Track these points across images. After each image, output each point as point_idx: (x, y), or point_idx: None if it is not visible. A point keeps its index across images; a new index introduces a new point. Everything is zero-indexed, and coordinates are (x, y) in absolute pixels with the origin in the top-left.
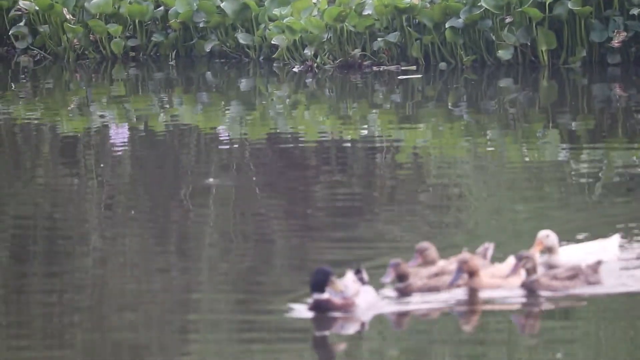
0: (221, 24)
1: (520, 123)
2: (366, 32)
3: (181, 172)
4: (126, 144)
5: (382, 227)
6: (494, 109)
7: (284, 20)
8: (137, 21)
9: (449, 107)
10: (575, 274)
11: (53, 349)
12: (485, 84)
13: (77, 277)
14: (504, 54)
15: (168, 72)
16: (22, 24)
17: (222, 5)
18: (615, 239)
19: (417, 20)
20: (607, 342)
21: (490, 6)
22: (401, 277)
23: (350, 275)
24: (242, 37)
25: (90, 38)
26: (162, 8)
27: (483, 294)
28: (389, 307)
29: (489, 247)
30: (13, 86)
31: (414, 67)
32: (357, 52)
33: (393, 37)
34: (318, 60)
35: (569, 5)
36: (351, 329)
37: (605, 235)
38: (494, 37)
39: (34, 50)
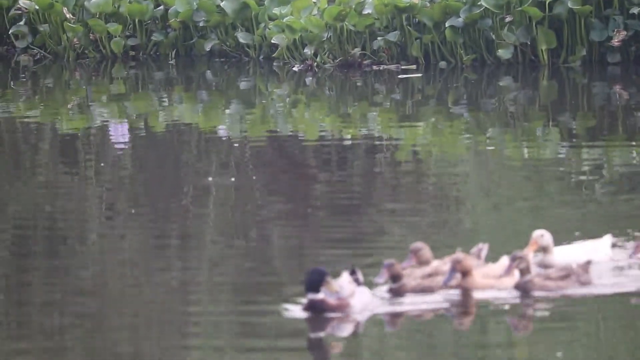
0: (221, 23)
1: (520, 122)
2: (366, 31)
3: (181, 171)
4: (126, 143)
5: (381, 227)
6: (494, 108)
7: (284, 20)
8: (137, 20)
9: (449, 106)
10: (567, 274)
11: (52, 352)
12: (485, 83)
13: (76, 277)
14: (504, 53)
15: (168, 72)
16: (22, 23)
17: (222, 4)
18: (607, 239)
19: (417, 20)
20: (607, 343)
21: (490, 5)
22: (395, 277)
23: (345, 276)
24: (242, 36)
25: (90, 37)
26: (162, 7)
27: (477, 294)
28: (384, 307)
29: (483, 248)
30: (13, 85)
31: (414, 66)
32: (357, 51)
33: (393, 36)
34: (318, 59)
35: (569, 4)
36: (346, 329)
37: (603, 234)
38: (494, 36)
39: (34, 49)
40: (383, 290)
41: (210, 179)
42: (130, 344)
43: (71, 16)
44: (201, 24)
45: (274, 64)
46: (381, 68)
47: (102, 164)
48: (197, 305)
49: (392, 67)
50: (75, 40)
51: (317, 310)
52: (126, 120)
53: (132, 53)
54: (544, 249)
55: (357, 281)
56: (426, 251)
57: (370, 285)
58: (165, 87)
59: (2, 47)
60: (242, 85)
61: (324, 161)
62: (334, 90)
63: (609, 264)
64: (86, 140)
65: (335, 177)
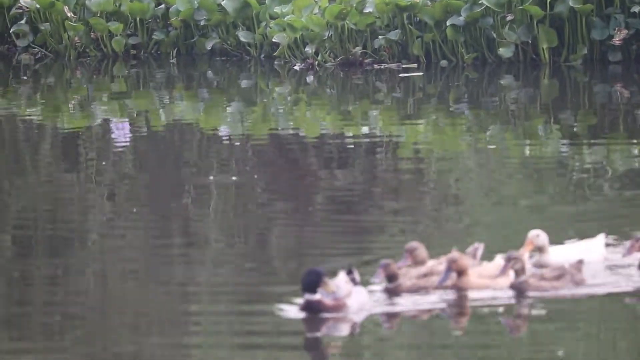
0: (222, 22)
1: (521, 121)
2: (367, 30)
3: (182, 170)
4: (127, 141)
5: (381, 226)
6: (494, 107)
7: (285, 18)
8: (138, 19)
9: (450, 105)
10: (561, 274)
11: (53, 351)
12: (486, 82)
13: (77, 276)
14: (505, 52)
15: (169, 70)
16: (23, 22)
17: (223, 3)
18: (601, 238)
19: (418, 18)
20: (605, 342)
21: (491, 4)
22: (391, 277)
23: (342, 276)
24: (243, 35)
25: (91, 36)
26: (163, 6)
27: (472, 294)
28: (381, 307)
29: (479, 247)
30: (14, 84)
31: (415, 65)
32: (358, 50)
33: (394, 35)
34: (319, 58)
35: (570, 2)
36: (343, 329)
37: (603, 232)
38: (495, 35)
39: (35, 48)
40: (379, 290)
41: (211, 177)
42: (130, 344)
43: (72, 15)
44: (202, 23)
45: (275, 62)
46: (382, 67)
47: (103, 163)
48: (197, 305)
49: (393, 65)
50: (76, 39)
51: (313, 310)
52: (127, 119)
53: (133, 52)
54: (539, 249)
55: (353, 281)
56: (422, 251)
57: (368, 285)
58: (167, 86)
59: (3, 46)
60: (243, 84)
61: (325, 160)
62: (335, 89)
63: (603, 264)
64: (87, 139)
65: (336, 175)
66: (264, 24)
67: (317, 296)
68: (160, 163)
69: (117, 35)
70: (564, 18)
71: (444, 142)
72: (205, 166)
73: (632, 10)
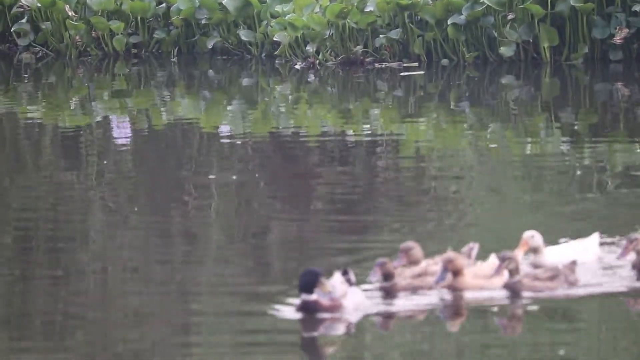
0: (223, 21)
1: (521, 119)
2: (368, 29)
3: (183, 169)
4: (128, 140)
5: (382, 225)
6: (495, 106)
7: (286, 17)
8: (139, 18)
9: (451, 103)
10: (555, 274)
11: (53, 352)
12: (487, 81)
13: (77, 275)
14: (506, 51)
15: (170, 69)
16: (24, 20)
17: (224, 2)
18: (595, 237)
19: (419, 17)
20: (605, 343)
21: (492, 3)
22: (387, 276)
23: (337, 276)
24: (244, 34)
25: (93, 35)
26: (164, 5)
27: (468, 294)
28: (377, 307)
29: (474, 247)
30: (15, 83)
31: (416, 64)
32: (359, 48)
33: (395, 34)
34: (320, 57)
35: (571, 1)
36: (340, 330)
37: (603, 232)
38: (496, 34)
39: (36, 47)
40: (374, 289)
41: (211, 176)
42: (130, 344)
43: (73, 14)
44: (203, 22)
45: (276, 61)
46: (383, 66)
47: (104, 162)
48: (197, 304)
49: (394, 64)
50: (77, 37)
51: (310, 311)
52: (128, 118)
53: (134, 51)
54: (534, 250)
55: (349, 281)
56: (417, 250)
57: (364, 284)
58: (168, 85)
59: (4, 45)
60: (244, 82)
61: (326, 158)
62: (336, 87)
63: (598, 264)
64: (88, 138)
65: (337, 174)
66: (265, 22)
67: (313, 296)
68: (161, 162)
69: (118, 34)
70: (565, 17)
71: (444, 140)
72: (205, 165)
73: (633, 9)
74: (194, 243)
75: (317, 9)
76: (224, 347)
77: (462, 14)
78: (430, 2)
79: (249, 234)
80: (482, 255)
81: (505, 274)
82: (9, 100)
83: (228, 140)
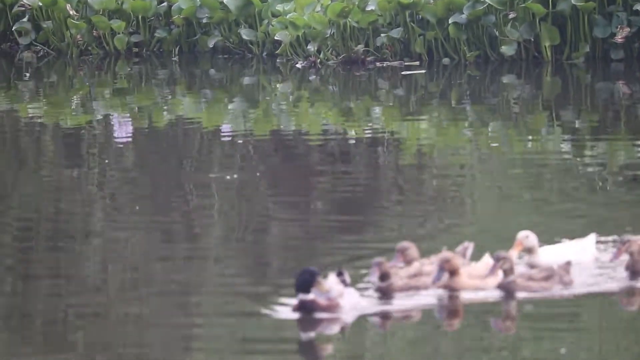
0: (224, 20)
1: (523, 118)
2: (369, 28)
3: (184, 168)
4: (130, 139)
5: (382, 225)
6: (497, 105)
7: (287, 16)
8: (140, 17)
9: (452, 102)
10: (549, 274)
11: (53, 352)
12: (488, 80)
13: (78, 274)
14: (507, 50)
15: (171, 68)
16: (25, 19)
17: (225, 1)
18: (592, 238)
19: (420, 16)
20: (604, 343)
21: (493, 2)
22: (383, 276)
23: (332, 277)
24: (245, 33)
25: (94, 34)
26: (165, 4)
27: (464, 294)
28: (373, 307)
29: (469, 247)
30: (16, 82)
31: (417, 63)
32: (361, 47)
33: (396, 33)
34: (321, 56)
35: (572, 0)
36: (337, 330)
37: (604, 232)
38: (497, 33)
39: (37, 46)
40: (370, 289)
41: (212, 175)
42: (130, 343)
43: (74, 13)
44: (204, 21)
45: (277, 60)
46: (384, 65)
47: (105, 160)
48: (197, 304)
49: (396, 63)
50: (78, 36)
51: (307, 310)
52: (129, 117)
53: (135, 50)
54: (528, 250)
55: (344, 282)
56: (413, 250)
57: (359, 284)
58: (169, 84)
59: (5, 44)
60: (246, 81)
61: (327, 157)
62: (337, 86)
63: (593, 264)
64: (89, 137)
65: (338, 173)
66: (266, 21)
67: (310, 296)
68: (162, 160)
69: (119, 33)
70: (566, 16)
71: (445, 139)
72: (206, 164)
73: (634, 8)
74: (194, 242)
75: (318, 8)
76: (223, 346)
77: (463, 13)
78: (432, 1)
79: (249, 233)
80: (480, 255)
81: (500, 274)
82: (10, 99)
83: (229, 139)
